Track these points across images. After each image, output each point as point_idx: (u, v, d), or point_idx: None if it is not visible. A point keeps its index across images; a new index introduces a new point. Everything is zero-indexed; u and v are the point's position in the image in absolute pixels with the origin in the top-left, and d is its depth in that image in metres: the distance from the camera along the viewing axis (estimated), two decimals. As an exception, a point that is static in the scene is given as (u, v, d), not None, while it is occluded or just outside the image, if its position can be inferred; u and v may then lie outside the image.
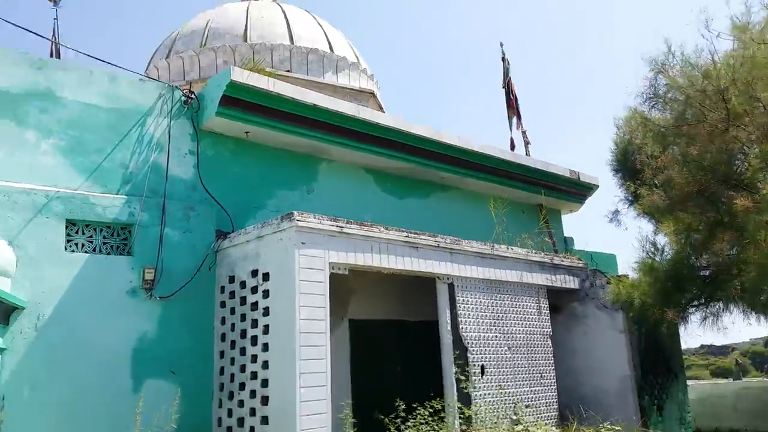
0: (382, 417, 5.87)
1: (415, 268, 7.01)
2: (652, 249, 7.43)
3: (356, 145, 8.41)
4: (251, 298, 6.31)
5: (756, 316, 7.35)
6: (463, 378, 6.85)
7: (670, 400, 9.13)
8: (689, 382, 14.65)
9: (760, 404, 11.99)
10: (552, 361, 8.35)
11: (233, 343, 6.45)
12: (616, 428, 4.89)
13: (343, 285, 7.01)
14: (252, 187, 7.68)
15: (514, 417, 7.28)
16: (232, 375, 6.37)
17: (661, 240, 7.67)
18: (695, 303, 7.40)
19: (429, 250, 7.18)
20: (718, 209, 6.88)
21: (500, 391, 7.42)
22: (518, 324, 8.07)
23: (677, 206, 7.01)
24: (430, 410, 6.07)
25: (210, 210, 7.08)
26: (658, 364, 9.00)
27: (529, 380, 7.98)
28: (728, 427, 12.08)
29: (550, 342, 8.44)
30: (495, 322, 7.75)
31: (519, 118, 12.20)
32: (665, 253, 7.45)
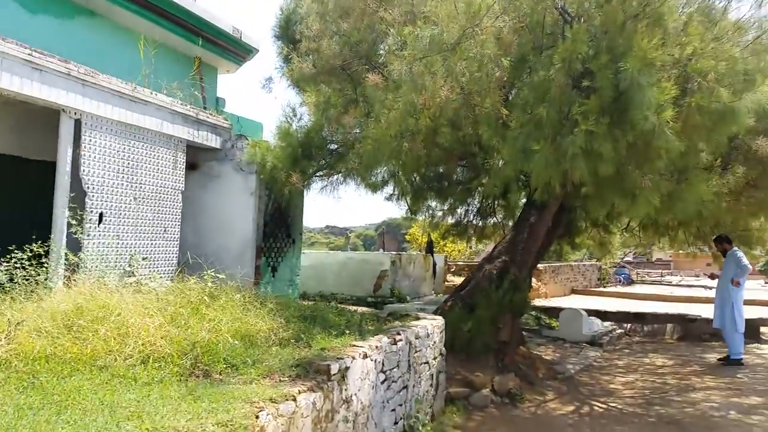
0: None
1: (36, 94, 6.10)
2: (292, 115, 7.77)
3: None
4: None
5: (366, 190, 8.34)
6: (75, 223, 6.31)
7: (285, 264, 9.99)
8: (306, 251, 16.28)
9: (358, 273, 13.99)
10: (179, 218, 8.31)
11: None
12: (219, 276, 5.07)
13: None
14: None
15: (129, 268, 7.06)
16: None
17: (303, 110, 8.04)
18: (320, 173, 8.04)
19: (57, 76, 6.29)
20: (355, 87, 7.46)
21: (118, 241, 7.11)
22: (150, 175, 7.76)
23: (321, 78, 7.37)
24: (29, 254, 5.44)
25: None
26: (279, 229, 9.69)
27: (152, 234, 7.84)
28: (330, 291, 13.83)
29: (180, 198, 8.36)
30: (123, 170, 7.30)
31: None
32: (303, 122, 7.84)
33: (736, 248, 9.84)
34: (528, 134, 5.73)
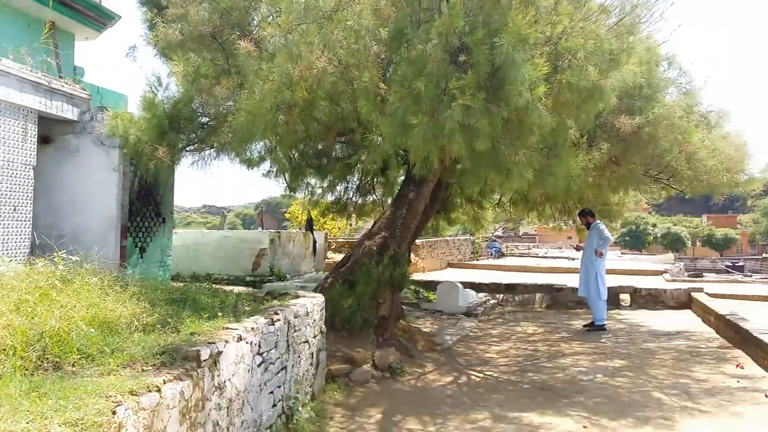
0: None
1: None
2: (157, 84, 7.20)
3: None
4: None
5: (242, 166, 7.96)
6: None
7: (154, 244, 9.41)
8: (180, 230, 15.52)
9: (234, 252, 13.51)
10: (31, 196, 7.55)
11: None
12: (72, 258, 4.59)
13: None
14: None
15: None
16: None
17: (171, 80, 7.49)
18: (191, 148, 7.55)
19: None
20: (228, 57, 7.04)
21: (-43, 221, 6.29)
22: (-6, 149, 6.90)
23: (190, 45, 6.88)
24: None
25: None
26: (147, 207, 9.09)
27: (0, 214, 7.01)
28: (206, 271, 13.26)
29: (32, 174, 7.58)
30: (-40, 142, 6.44)
31: None
32: (171, 92, 7.30)
33: (598, 221, 10.46)
34: (406, 109, 5.64)
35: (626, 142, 7.61)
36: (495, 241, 28.64)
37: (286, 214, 29.66)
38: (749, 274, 46.60)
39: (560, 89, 5.60)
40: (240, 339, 4.47)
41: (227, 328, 4.51)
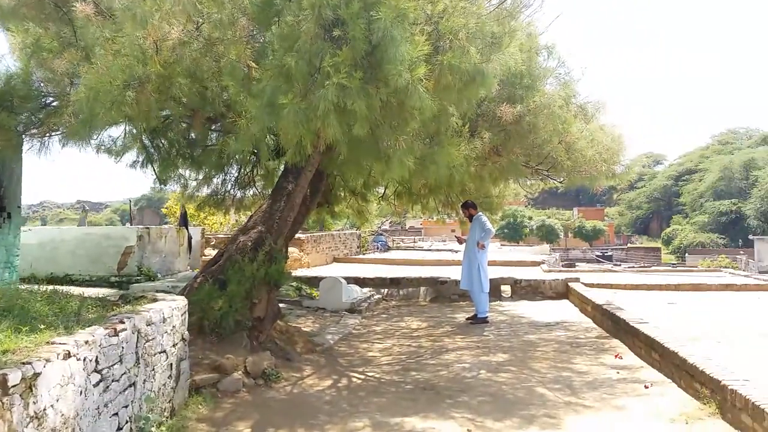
0: None
1: None
2: (-16, 56, 6.11)
3: None
4: None
5: (103, 154, 7.06)
6: None
7: (-3, 242, 8.15)
8: (36, 227, 13.94)
9: (97, 250, 12.26)
10: None
11: None
12: None
13: None
14: None
15: None
16: None
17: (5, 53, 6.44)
18: (32, 130, 6.50)
19: None
20: (75, 30, 6.09)
21: None
22: None
23: (26, 12, 5.87)
24: None
25: None
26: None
27: None
28: (65, 272, 11.94)
29: None
30: None
31: None
32: (3, 66, 6.25)
33: (480, 213, 10.32)
34: (276, 88, 5.03)
35: (507, 132, 7.41)
36: (381, 234, 28.52)
37: (163, 210, 27.87)
38: (618, 263, 49.87)
39: (441, 71, 5.20)
40: (68, 356, 3.67)
41: (52, 343, 3.70)
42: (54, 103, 6.53)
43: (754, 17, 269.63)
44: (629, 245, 76.19)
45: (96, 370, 4.06)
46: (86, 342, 3.93)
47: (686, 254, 61.31)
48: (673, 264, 53.08)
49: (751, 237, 50.07)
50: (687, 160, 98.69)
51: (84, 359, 3.87)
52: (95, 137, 6.67)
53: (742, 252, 52.30)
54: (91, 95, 5.05)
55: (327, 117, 4.82)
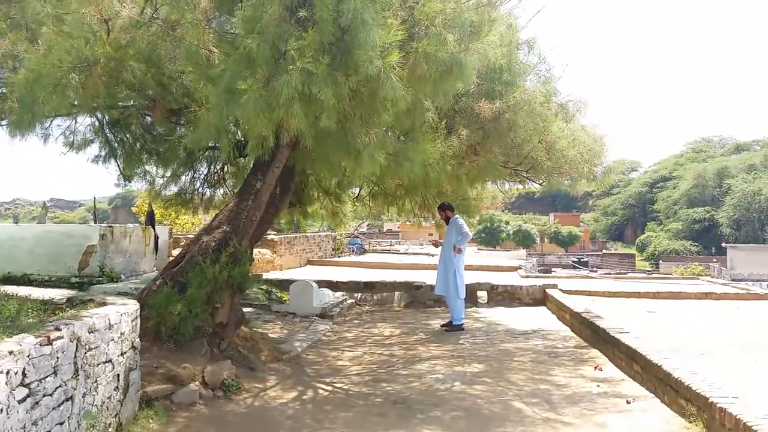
0: None
1: None
2: None
3: None
4: None
5: (42, 140, 6.56)
6: None
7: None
8: (-9, 225, 13.25)
9: (58, 248, 11.66)
10: None
11: None
12: None
13: None
14: None
15: None
16: None
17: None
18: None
19: None
20: (24, 10, 5.59)
21: None
22: None
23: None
24: None
25: None
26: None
27: None
28: (23, 272, 11.32)
29: None
30: None
31: None
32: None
33: (457, 215, 9.95)
34: (237, 73, 4.60)
35: (486, 130, 7.04)
36: (357, 237, 28.09)
37: (133, 209, 27.11)
38: (594, 269, 49.98)
39: (416, 60, 4.82)
40: (-15, 369, 3.21)
41: (-35, 354, 3.24)
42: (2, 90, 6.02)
43: (729, 27, 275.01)
44: (604, 251, 76.64)
45: (23, 384, 3.58)
46: (10, 352, 3.45)
47: (660, 261, 61.88)
48: (648, 271, 53.47)
49: (723, 245, 50.55)
50: (661, 167, 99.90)
51: (7, 372, 3.40)
52: (42, 126, 6.17)
53: (714, 260, 52.85)
54: (31, 77, 4.57)
55: (291, 106, 4.41)
